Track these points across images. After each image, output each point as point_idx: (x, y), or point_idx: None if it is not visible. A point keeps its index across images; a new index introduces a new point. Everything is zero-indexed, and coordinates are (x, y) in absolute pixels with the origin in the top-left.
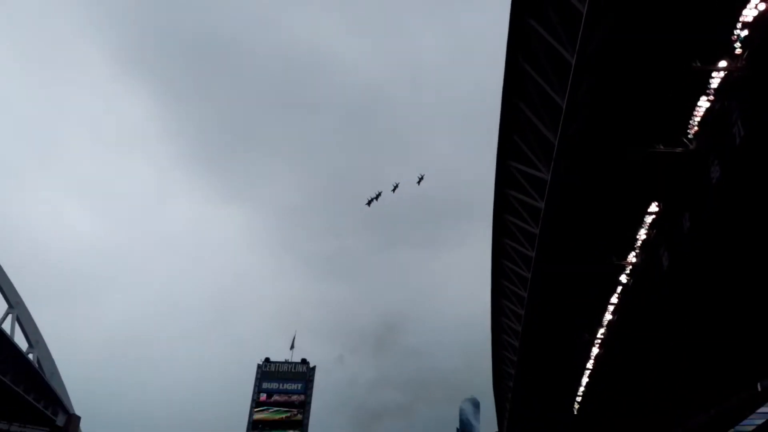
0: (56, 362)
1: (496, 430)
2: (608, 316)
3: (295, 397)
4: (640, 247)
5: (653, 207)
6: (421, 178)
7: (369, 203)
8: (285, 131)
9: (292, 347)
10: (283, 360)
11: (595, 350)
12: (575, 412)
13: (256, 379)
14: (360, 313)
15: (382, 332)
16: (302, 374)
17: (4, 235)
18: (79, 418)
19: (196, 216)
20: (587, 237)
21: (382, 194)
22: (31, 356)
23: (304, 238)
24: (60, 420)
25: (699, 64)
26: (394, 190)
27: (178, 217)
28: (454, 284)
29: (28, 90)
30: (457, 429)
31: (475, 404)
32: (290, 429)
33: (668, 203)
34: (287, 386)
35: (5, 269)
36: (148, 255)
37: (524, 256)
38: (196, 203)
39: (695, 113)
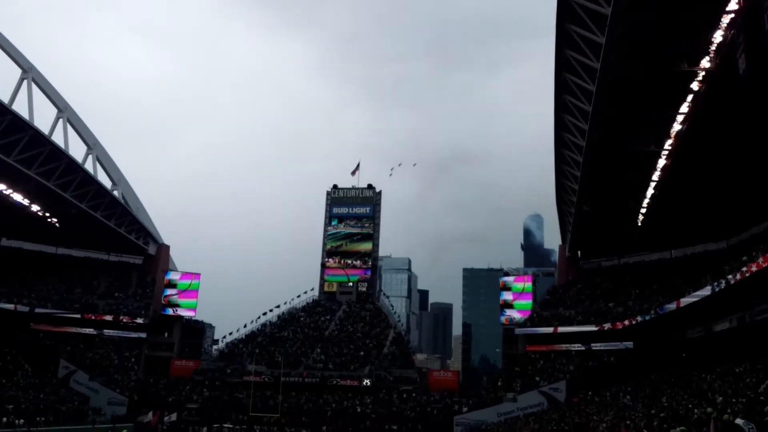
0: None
1: (560, 243)
2: (677, 126)
3: (364, 220)
4: (715, 51)
5: (732, 5)
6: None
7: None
8: None
9: (353, 173)
10: (350, 186)
11: (661, 162)
12: (639, 224)
13: (327, 204)
14: (425, 141)
15: (447, 160)
16: (369, 198)
17: (74, 79)
18: (168, 247)
19: (255, 49)
20: (657, 41)
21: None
22: (115, 193)
23: (364, 67)
24: (151, 249)
25: None
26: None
27: (237, 51)
28: (516, 106)
29: None
30: (521, 244)
31: (538, 220)
32: (363, 241)
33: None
34: (356, 210)
35: (77, 112)
36: (212, 91)
37: (588, 68)
38: (253, 36)
39: None
